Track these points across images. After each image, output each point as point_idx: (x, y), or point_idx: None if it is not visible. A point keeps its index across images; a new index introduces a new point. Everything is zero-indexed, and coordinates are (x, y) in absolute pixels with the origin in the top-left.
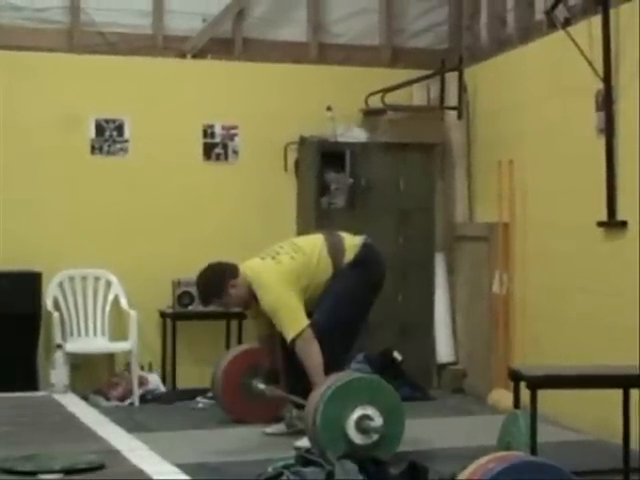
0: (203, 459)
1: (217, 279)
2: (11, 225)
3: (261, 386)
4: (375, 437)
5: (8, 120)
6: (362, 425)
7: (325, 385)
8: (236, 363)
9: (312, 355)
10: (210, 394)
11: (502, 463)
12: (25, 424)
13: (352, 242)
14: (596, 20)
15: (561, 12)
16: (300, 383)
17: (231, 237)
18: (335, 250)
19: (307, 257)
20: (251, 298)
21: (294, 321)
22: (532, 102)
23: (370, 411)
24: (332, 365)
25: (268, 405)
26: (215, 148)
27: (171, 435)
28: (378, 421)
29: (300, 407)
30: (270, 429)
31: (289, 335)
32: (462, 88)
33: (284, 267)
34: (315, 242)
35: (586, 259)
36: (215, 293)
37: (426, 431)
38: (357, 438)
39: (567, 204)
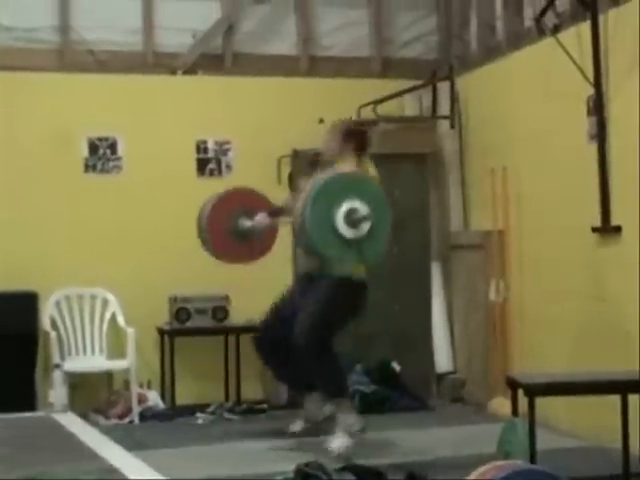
0: (203, 475)
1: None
2: (6, 245)
3: (248, 223)
4: (364, 228)
5: (1, 140)
6: (351, 218)
7: (310, 186)
8: (221, 205)
9: None
10: (210, 409)
11: (501, 472)
12: (24, 445)
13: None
14: (585, 26)
15: (550, 19)
16: (300, 377)
17: None
18: None
19: None
20: None
21: None
22: (524, 109)
23: (357, 204)
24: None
25: (257, 242)
26: (209, 163)
27: (171, 452)
28: (364, 210)
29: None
30: (292, 427)
31: None
32: (454, 97)
33: None
34: None
35: (581, 265)
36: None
37: (425, 441)
38: (347, 232)
39: (561, 210)
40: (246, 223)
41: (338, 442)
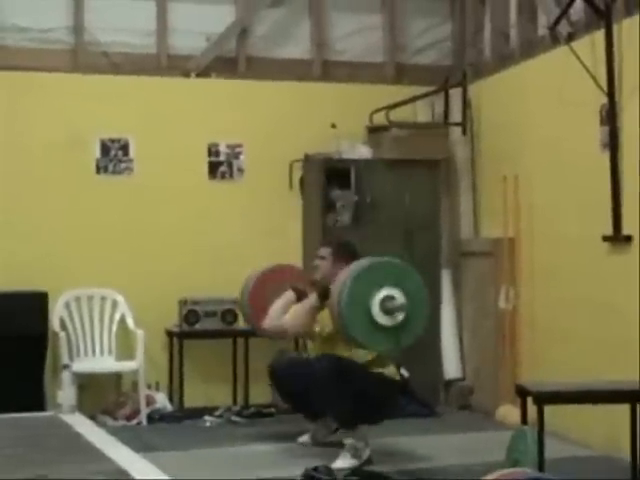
0: (211, 478)
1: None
2: (17, 245)
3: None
4: (399, 317)
5: (13, 140)
6: (386, 305)
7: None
8: (264, 282)
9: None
10: (218, 412)
11: None
12: (33, 445)
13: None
14: (599, 35)
15: (564, 27)
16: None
17: (237, 255)
18: None
19: None
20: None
21: None
22: (536, 117)
23: (395, 292)
24: None
25: None
26: (220, 166)
27: (179, 454)
28: (401, 299)
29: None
30: (301, 438)
31: None
32: (466, 104)
33: None
34: None
35: (592, 273)
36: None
37: (434, 448)
38: (381, 319)
39: (572, 219)
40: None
41: (342, 462)
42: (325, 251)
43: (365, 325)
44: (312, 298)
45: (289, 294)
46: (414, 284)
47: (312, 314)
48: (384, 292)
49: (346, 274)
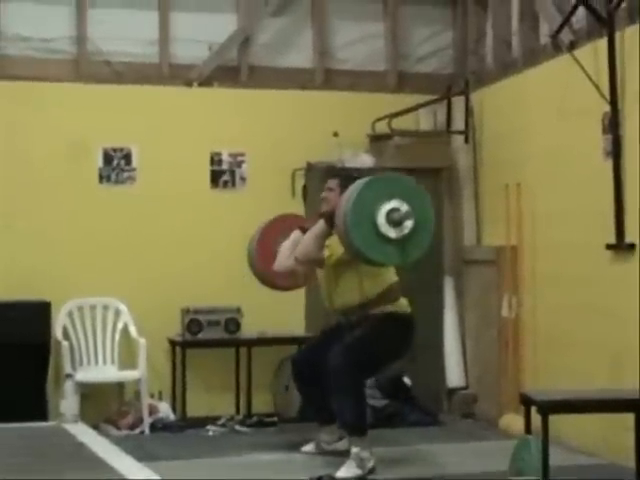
0: None
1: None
2: (20, 254)
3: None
4: (406, 229)
5: (16, 150)
6: (393, 217)
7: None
8: (271, 230)
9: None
10: (221, 421)
11: None
12: (35, 454)
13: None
14: (601, 43)
15: (566, 35)
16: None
17: (240, 264)
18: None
19: None
20: None
21: None
22: (539, 125)
23: (400, 204)
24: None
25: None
26: (223, 175)
27: (181, 464)
28: (405, 208)
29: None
30: (305, 448)
31: None
32: (468, 112)
33: None
34: None
35: (595, 282)
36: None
37: (437, 456)
38: (389, 231)
39: (575, 227)
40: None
41: (347, 472)
42: (333, 182)
43: (373, 239)
44: (319, 224)
45: (296, 234)
46: (419, 196)
47: (321, 239)
48: (389, 205)
49: (350, 190)
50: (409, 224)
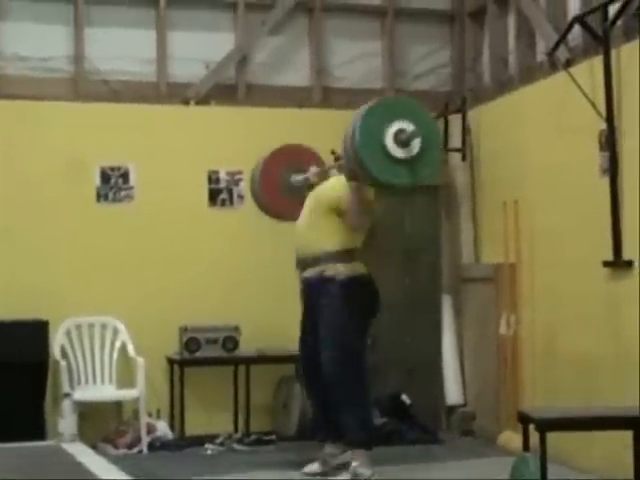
0: None
1: None
2: (18, 273)
3: (299, 177)
4: (415, 149)
5: (14, 168)
6: (400, 137)
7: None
8: (274, 160)
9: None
10: (219, 439)
11: None
12: (34, 474)
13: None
14: (597, 60)
15: (562, 53)
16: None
17: (237, 282)
18: None
19: None
20: None
21: None
22: (536, 142)
23: (406, 125)
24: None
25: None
26: (220, 194)
27: None
28: (411, 127)
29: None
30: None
31: None
32: (466, 130)
33: None
34: None
35: (593, 299)
36: None
37: (435, 474)
38: (397, 152)
39: (573, 244)
40: (298, 177)
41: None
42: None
43: (385, 163)
44: (352, 189)
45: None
46: (421, 115)
47: (361, 201)
48: (395, 127)
49: (353, 121)
50: (417, 143)
